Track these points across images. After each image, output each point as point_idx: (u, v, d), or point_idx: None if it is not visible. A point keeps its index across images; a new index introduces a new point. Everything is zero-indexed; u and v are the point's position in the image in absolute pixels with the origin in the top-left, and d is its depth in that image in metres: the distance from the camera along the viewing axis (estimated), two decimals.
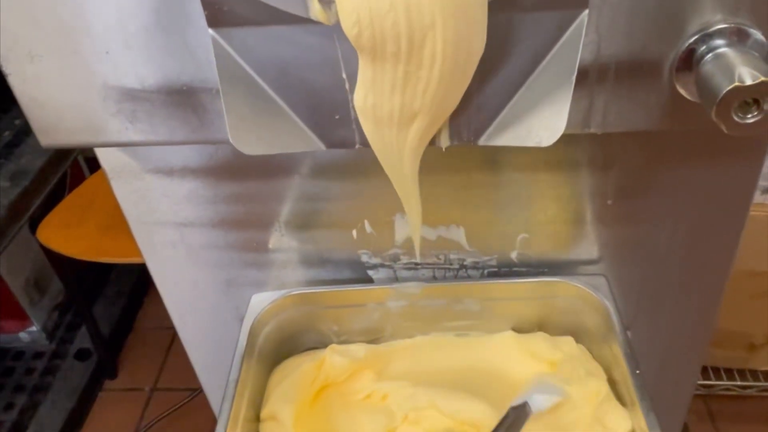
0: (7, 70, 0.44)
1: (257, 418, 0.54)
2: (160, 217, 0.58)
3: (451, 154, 0.43)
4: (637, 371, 0.49)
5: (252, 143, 0.41)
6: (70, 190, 1.31)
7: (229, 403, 0.49)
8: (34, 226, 1.22)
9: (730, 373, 1.26)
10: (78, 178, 1.43)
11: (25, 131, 1.23)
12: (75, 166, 1.47)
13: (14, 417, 1.26)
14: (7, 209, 1.06)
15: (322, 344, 0.61)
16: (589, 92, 0.41)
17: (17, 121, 1.26)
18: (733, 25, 0.37)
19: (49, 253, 1.37)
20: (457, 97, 0.38)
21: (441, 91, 0.36)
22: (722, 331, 1.10)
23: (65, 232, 1.14)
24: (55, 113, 0.45)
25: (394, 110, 0.38)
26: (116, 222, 1.16)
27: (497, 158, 0.53)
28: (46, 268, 1.42)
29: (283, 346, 0.60)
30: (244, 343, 0.54)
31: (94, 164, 1.46)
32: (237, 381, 0.51)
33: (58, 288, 1.45)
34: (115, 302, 1.52)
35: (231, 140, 0.40)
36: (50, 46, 0.42)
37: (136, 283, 1.57)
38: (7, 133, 1.23)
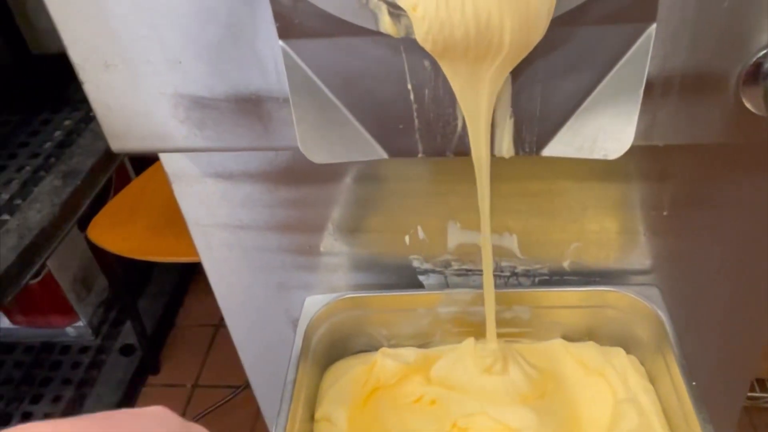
0: (83, 78, 0.46)
1: (311, 419, 0.55)
2: (217, 219, 0.60)
3: (506, 162, 0.44)
4: (693, 383, 0.49)
5: (320, 152, 0.42)
6: (116, 190, 1.35)
7: (287, 403, 0.50)
8: (81, 224, 1.25)
9: None
10: (123, 179, 1.47)
11: (76, 131, 1.26)
12: (120, 167, 1.51)
13: (61, 409, 1.30)
14: (60, 208, 1.10)
15: (371, 347, 0.62)
16: (653, 104, 0.41)
17: (67, 122, 1.30)
18: None
19: (95, 250, 1.41)
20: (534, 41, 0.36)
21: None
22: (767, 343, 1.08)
23: (114, 231, 1.17)
24: (127, 120, 0.47)
25: (469, 52, 0.36)
26: (163, 222, 1.19)
27: (552, 167, 0.53)
28: (92, 265, 1.46)
29: (335, 348, 0.61)
30: (300, 345, 0.55)
31: (139, 165, 1.50)
32: (294, 382, 0.52)
33: (103, 285, 1.49)
34: (157, 299, 1.55)
35: (301, 149, 0.42)
36: (125, 56, 0.44)
37: (178, 281, 1.61)
38: (58, 133, 1.27)
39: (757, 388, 1.23)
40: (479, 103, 0.40)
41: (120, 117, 0.47)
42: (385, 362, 0.59)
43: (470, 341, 0.58)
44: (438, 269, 0.61)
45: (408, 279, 0.62)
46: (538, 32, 0.34)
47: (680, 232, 0.56)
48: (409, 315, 0.60)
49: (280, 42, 0.40)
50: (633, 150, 0.41)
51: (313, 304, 0.59)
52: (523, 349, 0.59)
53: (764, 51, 0.38)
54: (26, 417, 1.30)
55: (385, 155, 0.44)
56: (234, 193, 0.57)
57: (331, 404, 0.55)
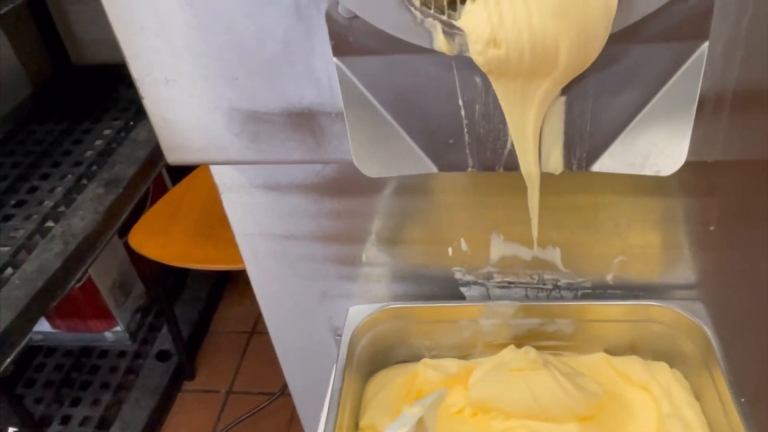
0: (143, 93, 0.47)
1: (356, 427, 0.56)
2: (264, 229, 0.61)
3: (551, 176, 0.44)
4: (742, 399, 0.49)
5: (373, 166, 0.43)
6: (153, 198, 1.38)
7: (334, 411, 0.51)
8: (120, 231, 1.28)
9: None
10: (160, 187, 1.50)
11: (116, 141, 1.29)
12: (157, 176, 1.53)
13: (100, 413, 1.33)
14: (103, 215, 1.12)
15: (413, 357, 0.62)
16: (704, 121, 0.41)
17: (108, 131, 1.33)
18: None
19: (133, 257, 1.44)
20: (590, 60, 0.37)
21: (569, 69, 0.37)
22: None
23: (154, 239, 1.20)
24: (183, 133, 0.49)
25: (522, 70, 0.37)
26: (201, 230, 1.22)
27: (597, 181, 0.53)
28: (130, 271, 1.49)
29: (377, 357, 0.62)
30: (345, 354, 0.56)
31: (176, 174, 1.53)
32: (340, 390, 0.53)
33: (140, 291, 1.52)
34: (192, 306, 1.58)
35: (355, 163, 0.43)
36: (184, 72, 0.46)
37: (212, 287, 1.63)
38: (99, 142, 1.30)
39: None
40: (526, 121, 0.41)
41: (177, 130, 0.49)
42: (427, 373, 0.59)
43: (510, 348, 0.58)
44: (480, 281, 0.61)
45: (450, 290, 0.62)
46: (593, 52, 0.35)
47: (726, 247, 0.55)
48: (451, 326, 0.61)
49: (335, 59, 0.41)
50: (682, 166, 0.41)
51: (358, 313, 0.60)
52: (567, 362, 0.59)
53: None
54: (66, 420, 1.33)
55: (435, 169, 0.45)
56: (281, 204, 0.59)
57: (376, 414, 0.56)
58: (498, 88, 0.40)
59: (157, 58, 0.45)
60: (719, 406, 0.51)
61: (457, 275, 0.61)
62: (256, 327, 1.53)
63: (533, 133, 0.41)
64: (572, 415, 0.53)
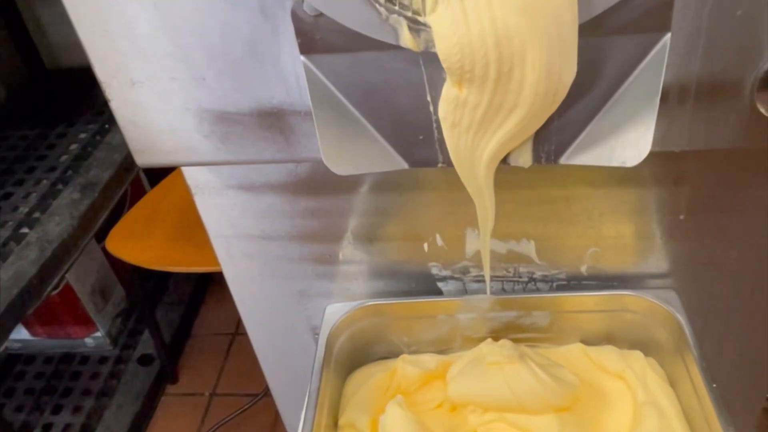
0: (109, 95, 0.47)
1: (335, 425, 0.56)
2: (239, 230, 0.61)
3: (524, 169, 0.45)
4: (714, 385, 0.49)
5: (342, 164, 0.43)
6: (131, 202, 1.37)
7: (312, 411, 0.51)
8: (98, 236, 1.27)
9: None
10: (138, 190, 1.49)
11: (91, 145, 1.28)
12: (135, 179, 1.52)
13: (83, 420, 1.32)
14: (79, 220, 1.11)
15: (392, 354, 0.62)
16: (669, 111, 0.42)
17: (83, 135, 1.31)
18: None
19: (112, 262, 1.43)
20: (542, 120, 0.39)
21: (527, 116, 0.38)
22: None
23: (132, 243, 1.19)
24: (152, 135, 0.48)
25: (473, 124, 0.40)
26: (180, 232, 1.21)
27: (569, 174, 0.54)
28: (109, 276, 1.48)
29: (356, 355, 0.62)
30: (323, 353, 0.56)
31: (153, 177, 1.52)
32: (318, 389, 0.53)
33: (120, 295, 1.51)
34: (174, 309, 1.57)
35: (324, 161, 0.43)
36: (151, 74, 0.45)
37: (194, 290, 1.62)
38: (74, 146, 1.29)
39: None
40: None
41: (145, 133, 0.48)
42: (406, 369, 0.59)
43: (487, 342, 0.58)
44: (457, 276, 0.62)
45: (427, 286, 0.63)
46: (566, 70, 0.35)
47: (697, 236, 0.56)
48: (428, 321, 0.61)
49: (302, 57, 0.41)
50: (649, 156, 0.41)
51: (335, 312, 0.60)
52: (544, 353, 0.60)
53: None
54: (47, 428, 1.32)
55: (405, 165, 0.45)
56: (255, 204, 0.59)
57: (355, 411, 0.56)
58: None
59: (122, 61, 0.45)
60: (692, 393, 0.51)
61: (434, 270, 0.62)
62: (239, 328, 1.52)
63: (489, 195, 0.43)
64: (549, 407, 0.54)
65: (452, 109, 0.39)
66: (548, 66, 0.34)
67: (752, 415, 0.72)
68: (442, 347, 0.62)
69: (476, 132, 0.40)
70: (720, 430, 0.46)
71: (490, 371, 0.54)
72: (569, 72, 0.36)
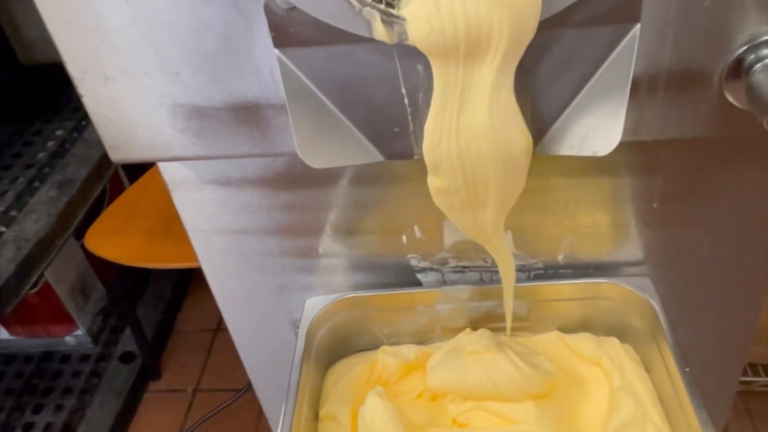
0: (82, 91, 0.47)
1: (315, 417, 0.56)
2: (217, 225, 0.61)
3: None
4: (687, 369, 0.50)
5: (318, 157, 0.43)
6: (110, 199, 1.36)
7: (292, 403, 0.51)
8: (77, 233, 1.26)
9: None
10: (117, 187, 1.47)
11: (68, 141, 1.26)
12: (114, 176, 1.51)
13: (64, 418, 1.31)
14: (57, 218, 1.10)
15: (373, 346, 0.63)
16: (639, 101, 0.43)
17: (59, 132, 1.30)
18: None
19: (92, 259, 1.42)
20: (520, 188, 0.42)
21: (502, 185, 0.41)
22: (760, 327, 1.10)
23: (111, 240, 1.18)
24: (126, 131, 0.48)
25: (465, 204, 0.44)
26: (160, 229, 1.20)
27: (544, 165, 0.54)
28: (89, 274, 1.47)
29: (336, 348, 0.62)
30: (302, 346, 0.56)
31: (133, 174, 1.50)
32: (298, 382, 0.53)
33: (101, 293, 1.50)
34: (156, 306, 1.56)
35: (300, 155, 0.43)
36: (123, 69, 0.45)
37: (175, 287, 1.61)
38: (51, 143, 1.27)
39: (750, 373, 1.25)
40: None
41: (119, 128, 0.48)
42: (386, 360, 0.60)
43: (466, 331, 0.59)
44: (435, 267, 0.62)
45: (406, 277, 0.63)
46: (528, 32, 0.36)
47: (670, 224, 0.57)
48: (408, 313, 0.61)
49: (276, 51, 0.41)
50: (622, 146, 0.42)
51: (314, 305, 0.60)
52: (521, 342, 0.61)
53: (745, 47, 0.40)
54: (28, 428, 1.30)
55: (381, 158, 0.45)
56: (233, 199, 0.58)
57: (335, 403, 0.56)
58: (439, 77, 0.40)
59: (94, 56, 0.44)
60: (667, 377, 0.52)
61: (413, 262, 0.62)
62: (221, 324, 1.52)
63: None
64: (528, 395, 0.54)
65: (442, 197, 0.44)
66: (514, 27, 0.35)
67: (727, 398, 0.73)
68: (422, 338, 0.63)
69: (470, 209, 0.44)
70: (692, 412, 0.47)
71: (469, 361, 0.55)
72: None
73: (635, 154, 0.52)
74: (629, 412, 0.53)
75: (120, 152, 0.49)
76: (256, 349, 0.72)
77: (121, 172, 1.60)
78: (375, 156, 0.45)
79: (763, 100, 0.38)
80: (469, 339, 0.57)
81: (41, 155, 1.22)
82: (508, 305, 0.54)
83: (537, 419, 0.54)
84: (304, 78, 0.42)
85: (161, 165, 0.57)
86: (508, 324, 0.57)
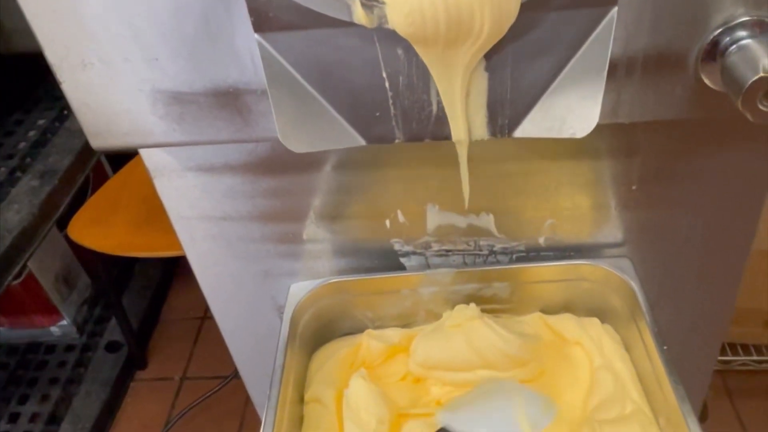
0: (60, 78, 0.46)
1: (301, 400, 0.57)
2: (200, 212, 0.61)
3: (481, 144, 0.45)
4: (665, 347, 0.51)
5: (299, 142, 0.43)
6: (94, 188, 1.35)
7: (277, 387, 0.51)
8: (60, 223, 1.25)
9: (746, 349, 1.28)
10: (101, 176, 1.46)
11: (50, 131, 1.25)
12: (97, 165, 1.50)
13: (50, 409, 1.30)
14: (39, 208, 1.09)
15: (357, 330, 0.63)
16: (617, 84, 0.43)
17: (41, 121, 1.29)
18: (755, 17, 0.39)
19: (76, 249, 1.41)
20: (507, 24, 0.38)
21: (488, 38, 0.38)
22: (738, 308, 1.12)
23: (95, 229, 1.17)
24: (106, 118, 0.48)
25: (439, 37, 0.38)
26: (144, 217, 1.20)
27: (525, 148, 0.55)
28: (73, 263, 1.46)
29: (321, 332, 0.62)
30: (287, 331, 0.57)
31: (116, 162, 1.49)
32: (283, 366, 0.53)
33: (85, 283, 1.49)
34: (141, 295, 1.55)
35: (281, 139, 0.43)
36: (102, 55, 0.45)
37: (161, 275, 1.61)
38: (32, 133, 1.26)
39: (729, 352, 1.27)
40: (454, 88, 0.42)
41: (99, 115, 0.48)
42: (370, 343, 0.60)
43: (449, 314, 0.59)
44: (419, 251, 0.63)
45: (390, 262, 0.63)
46: (510, 14, 0.36)
47: (649, 206, 0.58)
48: (392, 297, 0.62)
49: (256, 35, 0.41)
50: (601, 128, 0.42)
51: (298, 290, 0.60)
52: (504, 323, 0.61)
53: (720, 29, 0.40)
54: (14, 418, 1.30)
55: (363, 142, 0.45)
56: (215, 185, 0.58)
57: (320, 386, 0.57)
58: (424, 57, 0.40)
59: (72, 42, 0.44)
60: (645, 355, 0.54)
61: (397, 246, 0.62)
62: (208, 312, 1.52)
63: (461, 99, 0.42)
64: (513, 361, 0.55)
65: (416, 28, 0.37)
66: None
67: (705, 376, 0.75)
68: (406, 321, 0.63)
69: (445, 47, 0.39)
70: (670, 388, 0.49)
71: (451, 334, 0.56)
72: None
73: (614, 136, 0.53)
74: (609, 390, 0.54)
75: (100, 139, 0.49)
76: (241, 336, 0.72)
77: (105, 161, 1.59)
78: (356, 140, 0.45)
79: (737, 82, 0.38)
80: (449, 314, 0.58)
81: (22, 145, 1.21)
82: (465, 178, 0.50)
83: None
84: (284, 62, 0.42)
85: (143, 152, 0.56)
86: (466, 197, 0.51)
